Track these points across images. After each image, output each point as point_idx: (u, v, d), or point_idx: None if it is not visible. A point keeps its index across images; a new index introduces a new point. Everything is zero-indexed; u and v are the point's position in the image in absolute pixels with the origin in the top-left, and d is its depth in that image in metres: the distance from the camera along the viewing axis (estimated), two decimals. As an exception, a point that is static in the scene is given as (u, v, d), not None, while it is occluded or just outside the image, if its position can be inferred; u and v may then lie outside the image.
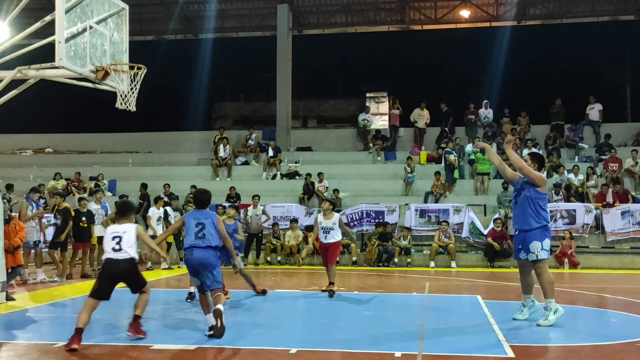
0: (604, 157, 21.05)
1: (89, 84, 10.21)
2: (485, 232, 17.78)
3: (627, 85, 28.66)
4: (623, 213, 17.95)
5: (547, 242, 8.16)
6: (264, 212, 18.34)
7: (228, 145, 23.11)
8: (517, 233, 8.43)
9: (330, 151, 24.25)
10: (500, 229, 17.34)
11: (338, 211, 19.37)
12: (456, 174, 20.97)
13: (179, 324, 8.27)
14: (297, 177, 22.07)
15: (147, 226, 16.38)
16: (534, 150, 19.72)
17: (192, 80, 28.45)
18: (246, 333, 7.66)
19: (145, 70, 10.15)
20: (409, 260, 17.52)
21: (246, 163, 23.54)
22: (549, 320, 8.00)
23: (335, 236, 11.28)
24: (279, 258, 18.09)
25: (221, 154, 22.93)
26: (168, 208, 17.18)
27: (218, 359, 6.45)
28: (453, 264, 17.34)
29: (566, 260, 16.74)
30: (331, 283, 11.20)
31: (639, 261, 17.08)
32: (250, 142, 24.12)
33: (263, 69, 26.54)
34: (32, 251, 13.72)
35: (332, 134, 27.12)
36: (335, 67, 29.58)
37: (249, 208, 18.13)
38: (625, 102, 28.82)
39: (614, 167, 20.35)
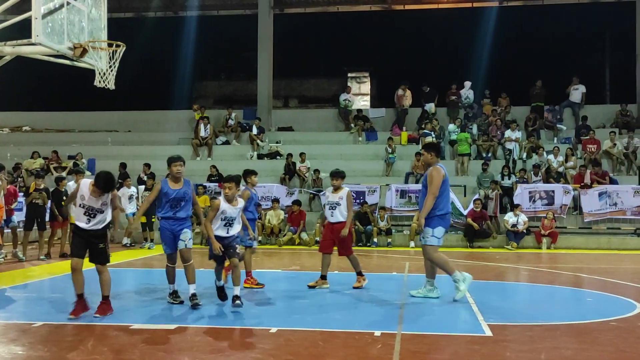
0: (583, 138, 21.25)
1: (67, 61, 10.07)
2: (465, 212, 17.92)
3: (607, 68, 28.90)
4: (600, 194, 18.17)
5: (438, 230, 8.57)
6: (245, 192, 18.29)
7: (209, 125, 22.97)
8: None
9: (311, 131, 24.19)
10: (479, 209, 17.48)
11: (319, 191, 19.55)
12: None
13: (159, 304, 8.26)
14: (278, 157, 22.03)
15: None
16: (431, 140, 19.83)
17: (173, 59, 28.16)
18: (226, 313, 7.68)
19: (124, 48, 10.02)
20: (389, 240, 17.61)
21: (227, 143, 23.42)
22: (461, 290, 8.36)
23: (343, 214, 9.64)
24: (259, 238, 18.10)
25: (202, 133, 22.78)
26: (141, 187, 17.13)
27: (198, 338, 6.46)
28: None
29: (544, 240, 16.93)
30: (359, 274, 9.85)
31: (615, 241, 17.34)
32: (231, 121, 23.99)
33: (244, 48, 26.31)
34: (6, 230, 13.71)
35: (313, 114, 27.04)
36: (317, 46, 29.40)
37: (229, 188, 18.05)
38: (604, 84, 29.07)
39: (593, 149, 20.56)
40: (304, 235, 17.75)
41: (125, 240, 16.97)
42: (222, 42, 26.82)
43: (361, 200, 18.70)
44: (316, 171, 20.25)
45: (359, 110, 25.30)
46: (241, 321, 7.23)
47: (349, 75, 33.82)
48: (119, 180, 19.34)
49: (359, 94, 33.02)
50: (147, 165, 20.12)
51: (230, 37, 26.36)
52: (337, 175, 10.03)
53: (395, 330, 6.67)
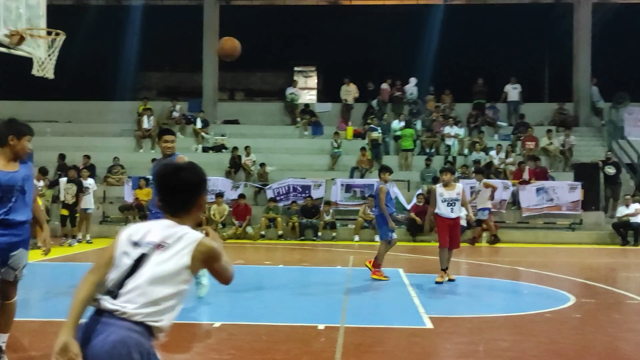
0: (522, 135, 21.85)
1: (3, 49, 9.70)
2: (409, 207, 18.20)
3: (546, 67, 29.74)
4: (538, 190, 18.74)
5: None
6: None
7: (152, 117, 22.59)
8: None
9: (257, 125, 24.06)
10: (422, 204, 17.75)
11: (264, 185, 19.51)
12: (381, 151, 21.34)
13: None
14: (223, 150, 21.85)
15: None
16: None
17: (116, 48, 27.47)
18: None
19: (64, 37, 9.73)
20: (334, 234, 17.73)
21: (171, 135, 23.04)
22: (203, 287, 7.84)
23: (460, 210, 9.77)
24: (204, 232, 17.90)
25: (145, 125, 22.38)
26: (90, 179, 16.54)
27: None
28: (377, 237, 17.60)
29: (484, 234, 17.35)
30: (445, 269, 9.64)
31: (552, 235, 17.92)
32: (175, 113, 23.65)
33: (190, 39, 25.90)
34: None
35: (259, 107, 26.91)
36: (264, 40, 29.18)
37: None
38: (543, 84, 29.91)
39: (531, 146, 21.17)
40: (249, 230, 17.68)
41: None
42: (167, 33, 26.31)
43: (306, 194, 18.78)
44: (262, 165, 20.19)
45: (306, 105, 25.32)
46: (184, 316, 7.16)
47: (296, 69, 33.77)
48: (58, 172, 18.85)
49: (306, 88, 33.00)
50: (87, 157, 19.65)
51: (176, 28, 25.89)
52: (448, 170, 10.23)
53: (339, 323, 6.73)
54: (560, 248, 16.47)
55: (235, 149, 20.75)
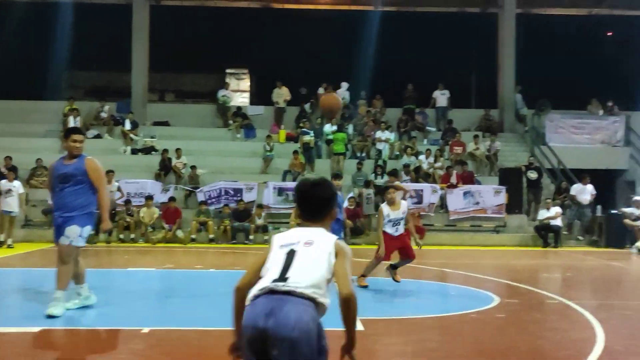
0: (449, 140, 22.43)
1: None
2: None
3: (472, 74, 30.65)
4: (465, 193, 19.29)
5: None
6: (118, 189, 17.67)
7: (79, 117, 21.93)
8: None
9: (188, 127, 23.73)
10: (354, 207, 17.96)
11: (195, 188, 19.26)
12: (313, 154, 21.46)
13: (23, 306, 7.81)
14: (153, 152, 21.45)
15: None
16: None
17: (41, 46, 26.51)
18: (96, 313, 7.40)
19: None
20: (266, 237, 17.68)
21: (98, 136, 22.46)
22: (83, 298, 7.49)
23: (404, 225, 9.79)
24: (132, 236, 17.54)
25: (71, 125, 21.70)
26: (4, 181, 15.85)
27: (64, 341, 6.19)
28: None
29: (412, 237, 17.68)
30: (364, 275, 9.74)
31: (478, 238, 18.47)
32: (103, 114, 23.06)
33: (119, 38, 25.30)
34: None
35: (190, 109, 26.57)
36: (195, 41, 28.83)
37: (101, 184, 17.37)
38: (470, 90, 30.82)
39: (459, 151, 21.78)
40: (179, 233, 17.43)
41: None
42: (96, 32, 25.62)
43: (238, 198, 18.67)
44: (193, 167, 19.95)
45: (238, 107, 25.20)
46: (111, 322, 6.99)
47: (228, 71, 33.55)
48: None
49: (238, 91, 32.84)
50: (9, 158, 18.90)
51: (104, 27, 25.25)
52: (392, 187, 10.08)
53: (270, 327, 6.72)
54: (486, 250, 16.99)
55: (165, 151, 20.41)
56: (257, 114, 24.51)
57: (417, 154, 21.25)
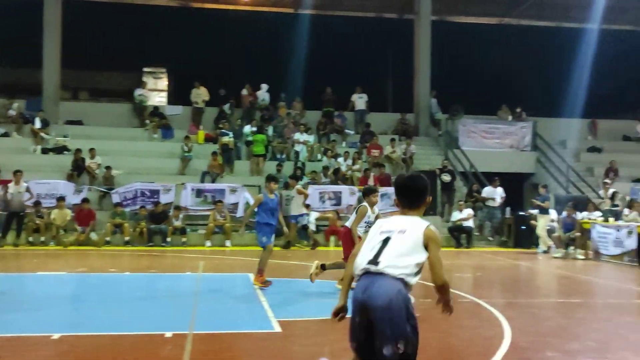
0: (367, 143, 22.84)
1: None
2: (259, 212, 18.32)
3: (390, 79, 31.32)
4: (382, 195, 19.61)
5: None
6: (27, 190, 16.95)
7: (-15, 115, 20.91)
8: None
9: (103, 126, 23.04)
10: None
11: (110, 189, 18.74)
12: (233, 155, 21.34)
13: None
14: (65, 152, 20.70)
15: None
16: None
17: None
18: (1, 319, 7.09)
19: None
20: (184, 239, 17.44)
21: (6, 135, 21.47)
22: None
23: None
24: (42, 238, 16.88)
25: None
26: None
27: (-32, 350, 5.90)
28: (228, 243, 17.64)
29: (332, 237, 17.92)
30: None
31: (394, 239, 18.85)
32: (12, 112, 22.06)
33: (29, 33, 24.26)
34: None
35: (105, 108, 25.80)
36: (111, 38, 28.02)
37: (9, 184, 16.65)
38: (387, 94, 31.48)
39: (376, 154, 22.21)
40: (93, 236, 16.92)
41: None
42: (5, 27, 24.47)
43: (155, 199, 18.32)
44: (108, 168, 19.41)
45: (155, 107, 24.70)
46: (18, 328, 6.72)
47: (145, 70, 32.80)
48: None
49: (155, 90, 32.17)
50: None
51: (14, 21, 24.15)
52: (376, 191, 10.09)
53: (187, 330, 6.66)
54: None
55: (78, 151, 19.75)
56: (175, 114, 24.11)
57: (335, 156, 21.51)
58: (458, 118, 24.12)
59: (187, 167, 20.86)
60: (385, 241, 3.76)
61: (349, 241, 9.24)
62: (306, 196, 17.39)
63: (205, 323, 7.21)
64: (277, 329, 6.86)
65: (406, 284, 3.67)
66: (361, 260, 3.78)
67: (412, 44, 25.77)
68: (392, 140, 22.76)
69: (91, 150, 19.91)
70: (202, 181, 19.82)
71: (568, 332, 5.36)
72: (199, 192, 18.99)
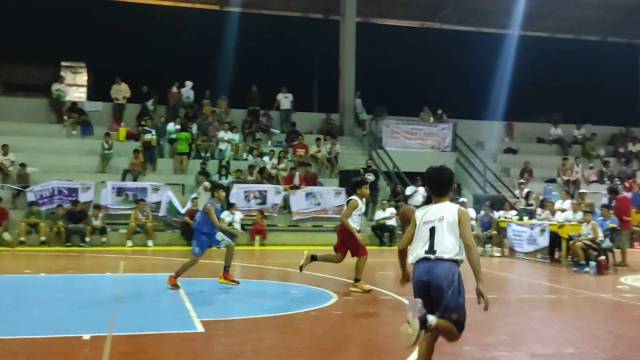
0: (293, 143, 22.90)
1: None
2: (183, 211, 18.09)
3: (315, 79, 31.53)
4: (307, 194, 19.80)
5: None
6: None
7: None
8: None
9: (17, 122, 22.08)
10: (196, 207, 17.75)
11: (24, 187, 18.01)
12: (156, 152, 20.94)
13: None
14: (-24, 148, 19.73)
15: None
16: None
17: None
18: None
19: None
20: (103, 239, 16.97)
21: None
22: None
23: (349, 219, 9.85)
24: None
25: None
26: None
27: None
28: (150, 242, 17.30)
29: (257, 237, 17.89)
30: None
31: (319, 238, 18.98)
32: None
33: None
34: None
35: (20, 103, 24.67)
36: (28, 30, 26.93)
37: None
38: (313, 94, 31.67)
39: (302, 153, 22.30)
40: (6, 236, 16.21)
41: None
42: None
43: (73, 198, 17.76)
44: (22, 165, 18.64)
45: (74, 102, 23.90)
46: None
47: (63, 64, 31.67)
48: None
49: (74, 85, 31.12)
50: None
51: None
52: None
53: (106, 332, 6.51)
54: (327, 249, 17.48)
55: (-10, 147, 18.87)
56: (94, 110, 23.37)
57: (261, 155, 21.45)
58: (382, 119, 24.52)
59: (108, 165, 20.30)
60: (432, 231, 4.62)
61: (347, 235, 9.66)
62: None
63: (126, 324, 7.05)
64: (200, 329, 6.80)
65: (457, 262, 4.57)
66: (418, 250, 4.65)
67: (337, 44, 26.01)
68: (318, 139, 22.92)
69: (4, 146, 19.07)
70: (124, 179, 19.34)
71: (483, 327, 5.58)
72: (119, 191, 18.53)
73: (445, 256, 4.55)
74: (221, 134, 21.93)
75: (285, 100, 24.71)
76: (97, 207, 17.56)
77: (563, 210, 16.53)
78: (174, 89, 23.70)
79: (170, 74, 24.29)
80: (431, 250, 4.59)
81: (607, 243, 13.32)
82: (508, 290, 11.26)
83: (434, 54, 30.48)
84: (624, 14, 28.40)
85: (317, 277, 11.37)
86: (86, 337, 6.26)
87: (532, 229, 15.71)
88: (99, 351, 5.77)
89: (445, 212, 4.64)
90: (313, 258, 9.87)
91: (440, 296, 4.49)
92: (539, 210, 16.73)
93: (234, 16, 25.93)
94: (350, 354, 6.01)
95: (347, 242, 9.82)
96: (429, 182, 4.93)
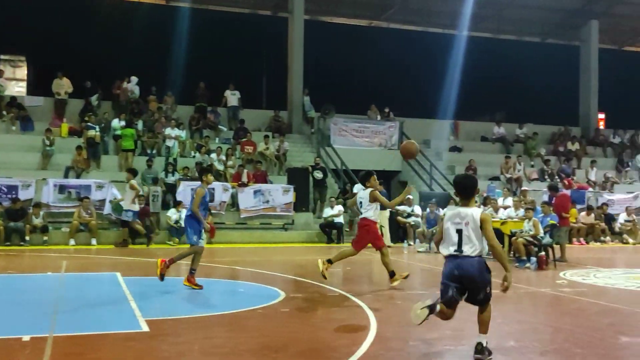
0: (241, 140, 22.76)
1: None
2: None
3: (264, 76, 31.42)
4: (255, 192, 19.72)
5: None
6: None
7: None
8: None
9: (-47, 117, 21.30)
10: (142, 205, 17.48)
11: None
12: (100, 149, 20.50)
13: None
14: None
15: None
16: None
17: None
18: None
19: None
20: (45, 238, 16.52)
21: None
22: None
23: (366, 212, 9.92)
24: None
25: None
26: None
27: None
28: (94, 241, 16.94)
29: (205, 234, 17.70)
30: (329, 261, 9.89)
31: (267, 236, 19.00)
32: None
33: None
34: None
35: (-44, 97, 23.80)
36: (-37, 21, 26.02)
37: None
38: (261, 91, 31.56)
39: (250, 150, 22.20)
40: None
41: None
42: None
43: (13, 195, 17.22)
44: (-42, 162, 17.97)
45: (13, 97, 23.16)
46: None
47: (2, 57, 30.64)
48: None
49: (13, 79, 30.13)
50: None
51: None
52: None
53: (47, 333, 6.35)
54: (275, 247, 17.54)
55: None
56: (35, 105, 22.72)
57: (209, 152, 21.25)
58: (330, 117, 24.63)
59: (49, 162, 19.76)
60: (459, 232, 5.60)
61: (372, 229, 10.01)
62: (137, 192, 16.98)
63: (68, 325, 6.89)
64: (145, 328, 6.71)
65: (480, 256, 5.60)
66: (449, 247, 5.67)
67: (285, 41, 25.98)
68: (266, 137, 22.85)
69: (-61, 142, 18.35)
70: (66, 176, 18.87)
71: (428, 322, 5.67)
72: (62, 188, 18.06)
73: (472, 254, 5.56)
74: (168, 131, 21.63)
75: (232, 97, 24.54)
76: (38, 205, 17.09)
77: (505, 208, 16.98)
78: (121, 84, 23.24)
79: (115, 69, 23.81)
80: (459, 249, 5.61)
81: (547, 239, 13.73)
82: (453, 286, 11.46)
83: (381, 52, 30.81)
84: (563, 17, 29.32)
85: (264, 275, 11.36)
86: (26, 338, 6.10)
87: (476, 225, 16.03)
88: (40, 352, 5.63)
89: (470, 217, 5.59)
90: (329, 262, 9.89)
91: (472, 284, 5.59)
92: (482, 208, 17.11)
93: (181, 11, 25.62)
94: (297, 350, 6.03)
95: (369, 236, 10.06)
96: (456, 186, 5.90)
